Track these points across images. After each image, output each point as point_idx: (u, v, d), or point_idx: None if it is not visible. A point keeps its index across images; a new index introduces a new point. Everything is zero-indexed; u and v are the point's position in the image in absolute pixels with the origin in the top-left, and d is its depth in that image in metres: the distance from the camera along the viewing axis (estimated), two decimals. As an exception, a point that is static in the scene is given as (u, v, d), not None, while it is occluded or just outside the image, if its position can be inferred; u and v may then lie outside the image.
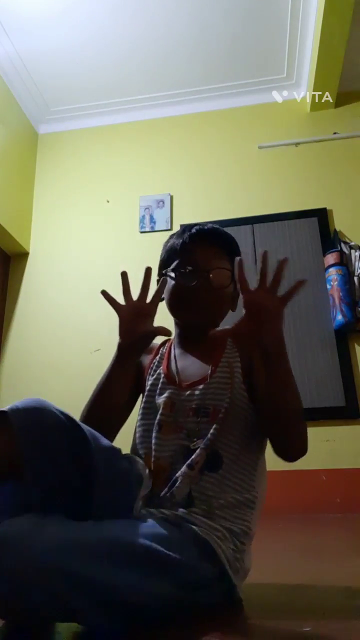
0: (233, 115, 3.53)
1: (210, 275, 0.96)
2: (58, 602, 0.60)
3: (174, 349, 1.05)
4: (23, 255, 3.43)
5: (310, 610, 0.81)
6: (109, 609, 0.63)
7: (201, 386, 0.93)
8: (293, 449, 0.85)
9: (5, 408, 0.70)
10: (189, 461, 0.86)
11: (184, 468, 0.85)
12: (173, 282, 0.99)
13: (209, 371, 0.95)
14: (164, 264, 1.04)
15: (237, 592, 0.80)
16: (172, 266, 1.00)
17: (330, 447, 2.62)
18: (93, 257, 3.31)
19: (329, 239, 3.06)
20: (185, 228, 1.03)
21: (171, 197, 3.37)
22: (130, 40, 3.09)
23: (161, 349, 1.08)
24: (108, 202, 3.46)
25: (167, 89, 3.46)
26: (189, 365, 0.99)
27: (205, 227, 1.02)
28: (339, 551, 1.43)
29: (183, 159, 3.49)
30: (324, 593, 0.93)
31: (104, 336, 2.85)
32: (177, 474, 0.86)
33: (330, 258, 2.90)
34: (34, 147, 3.71)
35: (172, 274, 0.99)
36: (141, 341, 0.94)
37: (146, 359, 1.06)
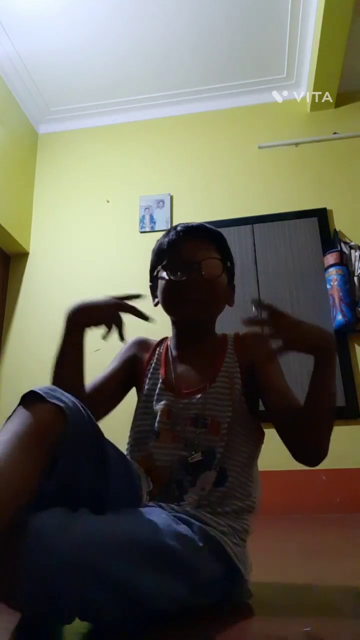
0: (233, 115, 3.53)
1: (202, 268, 0.95)
2: (82, 598, 0.60)
3: (171, 350, 1.02)
4: (23, 255, 3.43)
5: (310, 610, 0.81)
6: (129, 609, 0.64)
7: (199, 395, 0.92)
8: (319, 454, 0.84)
9: (41, 391, 0.69)
10: (201, 485, 0.86)
11: (195, 494, 0.85)
12: (165, 280, 0.97)
13: (208, 380, 0.93)
14: (154, 266, 1.04)
15: (247, 586, 0.82)
16: (162, 265, 0.99)
17: (330, 447, 2.61)
18: (93, 257, 3.31)
19: (329, 239, 3.06)
20: (171, 228, 1.04)
21: (171, 197, 3.38)
22: (130, 40, 3.09)
23: (158, 348, 1.05)
24: (108, 202, 3.46)
25: (167, 89, 3.46)
26: (187, 371, 0.98)
27: (191, 224, 1.01)
28: (339, 551, 1.43)
29: (183, 159, 3.49)
30: (324, 593, 0.93)
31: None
32: (185, 497, 0.85)
33: (330, 258, 2.90)
34: (34, 147, 3.71)
35: (164, 273, 0.98)
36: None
37: (143, 354, 1.04)
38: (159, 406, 0.94)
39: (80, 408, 0.72)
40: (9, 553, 0.59)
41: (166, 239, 1.01)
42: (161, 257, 1.01)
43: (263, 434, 0.96)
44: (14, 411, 0.69)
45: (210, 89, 3.47)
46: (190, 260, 0.95)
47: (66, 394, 0.72)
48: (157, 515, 0.76)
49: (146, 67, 3.29)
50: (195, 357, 0.99)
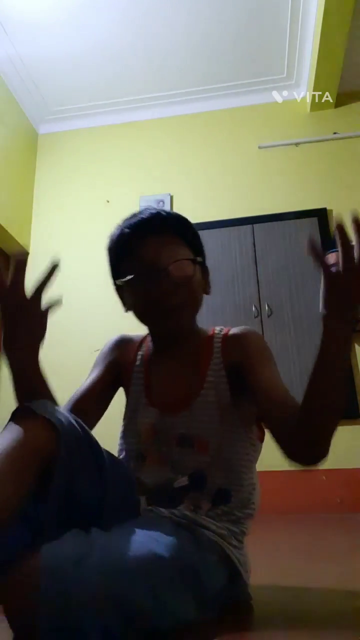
0: (233, 115, 3.53)
1: (170, 273, 0.82)
2: (104, 631, 0.56)
3: (152, 355, 0.93)
4: (23, 255, 3.42)
5: (310, 610, 0.81)
6: (143, 632, 0.61)
7: (184, 412, 0.84)
8: (320, 451, 0.71)
9: (32, 406, 0.68)
10: (189, 506, 0.81)
11: (187, 509, 0.81)
12: (132, 291, 0.86)
13: (193, 392, 0.85)
14: (114, 272, 0.90)
15: (248, 590, 0.82)
16: (127, 276, 0.85)
17: (330, 447, 2.61)
18: (93, 258, 3.30)
19: (329, 239, 3.06)
20: (123, 223, 0.88)
21: (171, 197, 3.37)
22: (131, 40, 3.09)
23: (139, 350, 0.95)
24: (108, 202, 3.46)
25: (168, 88, 3.46)
26: (171, 382, 0.89)
27: (145, 213, 0.86)
28: (339, 551, 1.43)
29: (183, 159, 3.49)
30: (324, 593, 0.93)
31: (103, 336, 2.84)
32: (176, 512, 0.81)
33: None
34: (34, 147, 3.71)
35: (129, 284, 0.85)
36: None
37: (125, 356, 0.96)
38: (142, 424, 0.88)
39: (73, 421, 0.70)
40: (20, 587, 0.56)
41: (123, 239, 0.87)
42: (120, 261, 0.87)
43: (263, 433, 0.91)
44: (5, 427, 0.67)
45: (210, 89, 3.47)
46: (156, 266, 0.82)
47: (58, 407, 0.71)
48: (162, 526, 0.74)
49: (146, 67, 3.29)
50: (178, 364, 0.90)
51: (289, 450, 0.72)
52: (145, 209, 0.88)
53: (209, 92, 3.49)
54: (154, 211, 0.87)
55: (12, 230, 3.21)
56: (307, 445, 0.71)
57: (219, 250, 3.10)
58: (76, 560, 0.57)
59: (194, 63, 3.26)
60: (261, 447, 0.92)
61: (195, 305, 0.89)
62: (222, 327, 0.92)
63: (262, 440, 0.91)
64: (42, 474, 0.66)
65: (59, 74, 3.32)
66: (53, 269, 0.77)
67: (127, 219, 0.88)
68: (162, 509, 0.81)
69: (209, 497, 0.82)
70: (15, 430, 0.65)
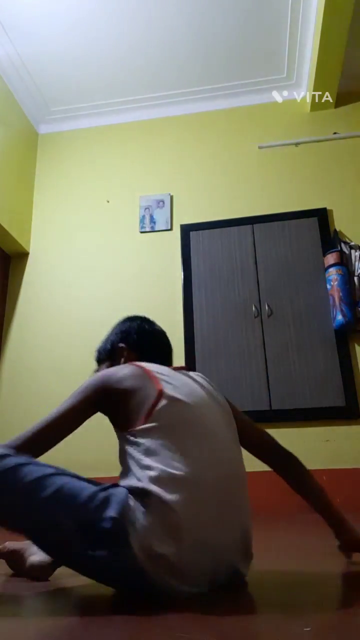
0: (233, 115, 3.53)
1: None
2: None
3: None
4: (23, 255, 3.43)
5: (309, 611, 0.81)
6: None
7: None
8: None
9: None
10: None
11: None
12: None
13: None
14: None
15: (134, 551, 0.75)
16: None
17: (330, 447, 2.61)
18: (93, 257, 3.31)
19: (329, 239, 3.06)
20: None
21: (171, 197, 3.38)
22: (131, 40, 3.10)
23: None
24: (108, 202, 3.46)
25: (167, 89, 3.47)
26: None
27: None
28: (338, 551, 1.43)
29: (183, 159, 3.49)
30: (324, 594, 0.93)
31: (104, 334, 2.84)
32: None
33: (330, 258, 2.90)
34: (34, 147, 3.71)
35: None
36: None
37: None
38: None
39: None
40: None
41: None
42: None
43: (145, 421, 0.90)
44: None
45: (210, 89, 3.47)
46: None
47: None
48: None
49: (146, 67, 3.29)
50: None
51: None
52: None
53: (209, 92, 3.49)
54: None
55: (12, 230, 3.21)
56: None
57: (219, 250, 3.11)
58: None
59: (193, 63, 3.27)
60: (150, 436, 0.88)
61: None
62: None
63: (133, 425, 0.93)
64: None
65: (59, 74, 3.32)
66: None
67: None
68: None
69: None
70: None
